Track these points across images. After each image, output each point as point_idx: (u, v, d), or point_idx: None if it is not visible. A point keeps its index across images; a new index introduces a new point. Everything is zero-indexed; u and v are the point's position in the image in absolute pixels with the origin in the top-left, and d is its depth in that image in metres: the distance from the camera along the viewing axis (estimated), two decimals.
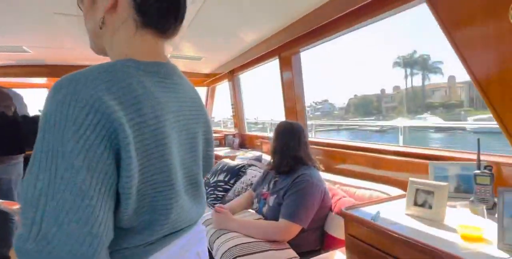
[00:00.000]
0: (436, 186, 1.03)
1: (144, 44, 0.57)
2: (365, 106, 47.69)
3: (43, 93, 4.37)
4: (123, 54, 0.55)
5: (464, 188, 1.25)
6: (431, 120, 27.73)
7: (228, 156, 3.17)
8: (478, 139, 1.08)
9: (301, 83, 2.56)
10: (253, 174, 2.42)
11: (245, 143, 3.87)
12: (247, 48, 2.87)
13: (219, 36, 2.50)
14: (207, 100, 5.00)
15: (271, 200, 1.49)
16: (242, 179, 2.45)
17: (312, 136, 4.61)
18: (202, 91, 5.01)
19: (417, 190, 1.07)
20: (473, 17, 1.10)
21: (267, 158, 2.77)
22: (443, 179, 1.30)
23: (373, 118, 39.71)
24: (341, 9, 1.70)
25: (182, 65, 3.68)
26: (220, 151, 3.74)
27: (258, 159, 2.73)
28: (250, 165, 2.61)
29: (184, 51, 2.96)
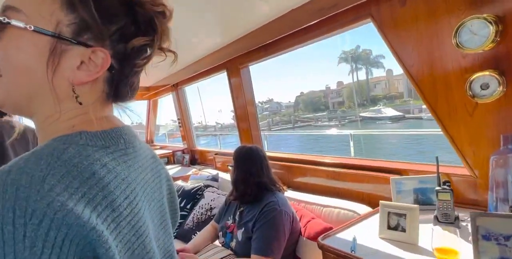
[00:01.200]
0: (407, 208, 1.04)
1: (101, 111, 0.45)
2: (314, 103, 48.71)
3: None
4: (70, 125, 0.41)
5: (423, 200, 1.32)
6: (386, 111, 29.62)
7: (180, 177, 2.95)
8: (437, 157, 1.13)
9: (251, 89, 2.48)
10: (212, 197, 2.27)
11: (196, 158, 3.68)
12: (193, 61, 2.72)
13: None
14: (148, 113, 4.65)
15: (240, 234, 1.38)
16: (200, 203, 2.28)
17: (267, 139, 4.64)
18: (142, 104, 4.65)
19: (389, 213, 1.07)
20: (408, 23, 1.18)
21: (224, 176, 2.64)
22: (403, 193, 1.35)
23: (324, 113, 40.86)
24: (290, 26, 1.68)
25: None
26: (170, 170, 3.48)
27: (215, 178, 2.59)
28: (206, 187, 2.45)
29: None
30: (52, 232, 0.29)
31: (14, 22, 0.37)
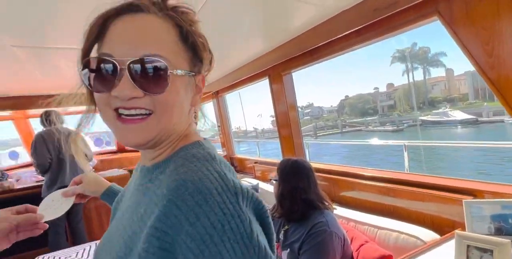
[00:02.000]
0: (496, 243, 0.85)
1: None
2: (361, 107, 45.19)
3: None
4: (188, 137, 0.52)
5: (507, 230, 1.09)
6: (455, 114, 26.40)
7: None
8: None
9: (293, 95, 2.36)
10: None
11: (235, 166, 3.64)
12: (234, 69, 2.71)
13: None
14: None
15: (285, 256, 1.27)
16: None
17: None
18: None
19: (468, 246, 0.89)
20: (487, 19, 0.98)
21: (264, 186, 2.56)
22: (478, 220, 1.14)
23: (374, 117, 37.84)
24: (340, 29, 1.55)
25: None
26: None
27: (255, 188, 2.51)
28: None
29: None
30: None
31: (179, 72, 0.45)
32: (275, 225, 1.48)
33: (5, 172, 3.27)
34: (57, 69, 2.18)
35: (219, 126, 3.68)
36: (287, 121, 2.37)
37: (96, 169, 3.86)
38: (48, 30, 1.48)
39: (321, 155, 14.42)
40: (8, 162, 5.16)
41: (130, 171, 3.89)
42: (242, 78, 2.76)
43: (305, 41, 1.84)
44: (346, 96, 51.83)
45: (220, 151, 4.01)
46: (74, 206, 2.67)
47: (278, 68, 2.25)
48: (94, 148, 5.06)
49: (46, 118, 2.94)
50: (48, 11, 1.26)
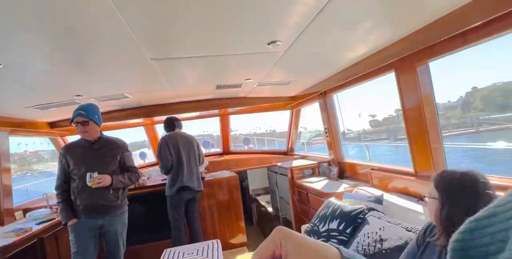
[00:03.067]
0: None
1: None
2: (503, 99, 34.55)
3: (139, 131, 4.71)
4: None
5: None
6: None
7: (333, 193, 2.68)
8: None
9: (430, 87, 1.93)
10: (380, 225, 1.88)
11: (343, 171, 3.34)
12: (346, 66, 2.45)
13: (317, 57, 2.15)
14: (291, 123, 4.65)
15: None
16: (364, 230, 1.92)
17: None
18: (282, 114, 4.72)
19: None
20: None
21: (390, 198, 2.20)
22: None
23: None
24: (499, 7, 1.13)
25: (267, 91, 3.44)
26: (317, 182, 3.28)
27: (379, 200, 2.17)
28: (369, 210, 2.07)
29: (273, 77, 2.69)
30: None
31: None
32: (431, 253, 1.16)
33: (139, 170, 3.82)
34: (181, 77, 2.36)
35: (325, 129, 3.45)
36: (420, 121, 1.97)
37: (208, 170, 4.15)
38: (176, 42, 1.56)
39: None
40: (138, 161, 6.16)
41: (238, 173, 4.04)
42: (355, 76, 2.47)
43: (453, 22, 1.45)
44: (474, 88, 42.84)
45: (326, 155, 3.77)
46: (192, 204, 2.87)
47: (410, 58, 1.89)
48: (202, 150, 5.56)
49: (169, 124, 3.29)
50: (177, 24, 1.30)
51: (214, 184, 3.66)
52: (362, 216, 2.05)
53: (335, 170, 3.34)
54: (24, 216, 2.90)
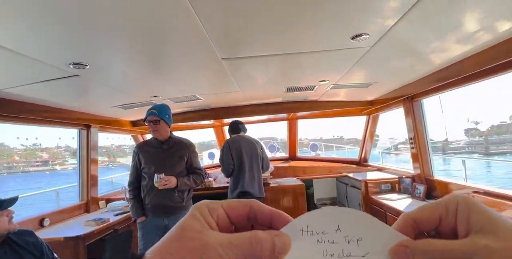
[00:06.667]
0: None
1: None
2: None
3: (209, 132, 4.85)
4: None
5: None
6: None
7: None
8: None
9: None
10: None
11: (431, 189, 2.80)
12: (445, 65, 2.01)
13: (410, 53, 1.80)
14: (366, 130, 4.19)
15: None
16: None
17: None
18: (351, 119, 4.28)
19: None
20: None
21: None
22: None
23: None
24: None
25: (341, 95, 3.13)
26: (398, 201, 2.82)
27: None
28: None
29: (351, 79, 2.39)
30: None
31: None
32: None
33: (206, 171, 3.90)
34: (251, 78, 2.25)
35: (411, 139, 2.96)
36: None
37: (273, 175, 4.01)
38: (249, 40, 1.44)
39: None
40: (207, 161, 6.40)
41: (303, 181, 3.80)
42: (458, 77, 2.00)
43: None
44: None
45: (409, 169, 3.26)
46: None
47: None
48: (268, 154, 5.45)
49: (233, 127, 3.25)
50: (252, 22, 1.20)
51: (279, 191, 3.49)
52: None
53: (421, 188, 2.83)
54: (106, 205, 3.18)
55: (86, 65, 1.53)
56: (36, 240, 1.46)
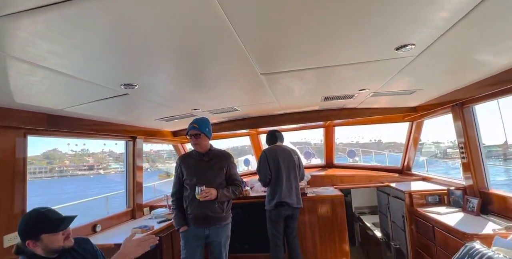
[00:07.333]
0: None
1: None
2: None
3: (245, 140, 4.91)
4: None
5: None
6: None
7: (476, 235, 2.05)
8: None
9: None
10: None
11: (487, 202, 2.55)
12: (500, 70, 1.85)
13: (461, 59, 1.68)
14: (409, 137, 3.96)
15: None
16: None
17: None
18: (399, 127, 4.07)
19: None
20: None
21: None
22: None
23: None
24: None
25: (382, 102, 3.01)
26: (448, 215, 2.62)
27: None
28: None
29: (394, 87, 2.29)
30: None
31: None
32: None
33: (243, 179, 3.94)
34: (288, 91, 2.25)
35: (461, 147, 2.74)
36: None
37: (310, 184, 3.94)
38: (287, 55, 1.46)
39: None
40: (242, 167, 6.47)
41: (341, 189, 3.68)
42: None
43: None
44: None
45: (459, 180, 3.02)
46: (291, 221, 2.73)
47: None
48: (303, 161, 5.35)
49: (270, 137, 3.25)
50: (291, 37, 1.21)
51: (317, 201, 3.42)
52: None
53: (475, 202, 2.60)
54: (150, 212, 3.34)
55: (135, 85, 1.64)
56: (91, 247, 1.58)
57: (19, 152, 1.99)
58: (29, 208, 1.88)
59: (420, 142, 4.13)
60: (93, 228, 2.69)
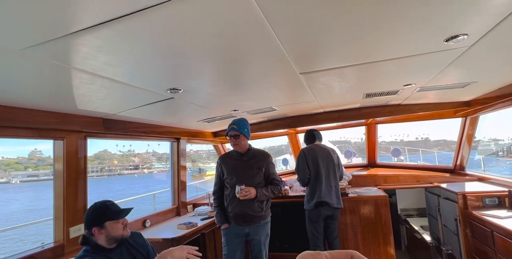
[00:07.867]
0: None
1: None
2: None
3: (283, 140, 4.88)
4: None
5: None
6: None
7: None
8: None
9: None
10: None
11: None
12: None
13: None
14: (462, 134, 3.65)
15: None
16: None
17: None
18: (452, 123, 3.76)
19: None
20: None
21: None
22: None
23: None
24: None
25: (430, 97, 2.82)
26: (509, 219, 2.37)
27: None
28: None
29: (444, 80, 2.14)
30: None
31: None
32: None
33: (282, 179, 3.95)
34: (328, 89, 2.21)
35: None
36: None
37: (351, 184, 3.82)
38: (326, 54, 1.44)
39: None
40: (280, 167, 6.48)
41: (385, 190, 3.52)
42: None
43: None
44: None
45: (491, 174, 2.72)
46: (331, 222, 2.63)
47: None
48: (343, 160, 5.20)
49: (308, 136, 3.21)
50: (329, 36, 1.20)
51: (359, 202, 3.31)
52: None
53: None
54: (193, 210, 3.50)
55: (180, 90, 1.74)
56: (143, 241, 1.70)
57: (80, 153, 2.21)
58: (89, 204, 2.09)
59: (475, 140, 3.78)
60: (143, 223, 2.89)
